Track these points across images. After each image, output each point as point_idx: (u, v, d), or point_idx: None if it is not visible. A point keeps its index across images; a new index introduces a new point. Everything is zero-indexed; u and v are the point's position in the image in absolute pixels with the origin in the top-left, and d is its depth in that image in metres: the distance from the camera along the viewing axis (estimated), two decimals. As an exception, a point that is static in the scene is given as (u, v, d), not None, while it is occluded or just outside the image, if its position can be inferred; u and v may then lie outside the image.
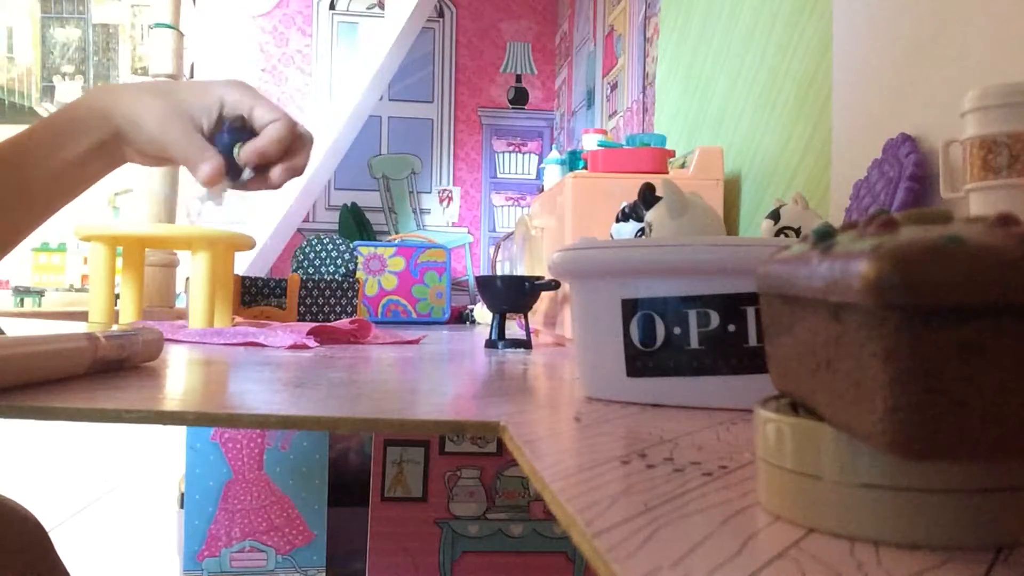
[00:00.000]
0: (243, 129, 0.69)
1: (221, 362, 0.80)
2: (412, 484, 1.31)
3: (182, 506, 1.62)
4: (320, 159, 3.38)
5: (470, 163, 3.75)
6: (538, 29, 3.76)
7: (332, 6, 3.64)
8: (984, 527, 0.22)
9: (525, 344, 1.14)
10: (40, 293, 2.56)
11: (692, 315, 0.49)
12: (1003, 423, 0.19)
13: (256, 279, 1.73)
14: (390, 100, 3.69)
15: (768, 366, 0.30)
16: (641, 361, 0.51)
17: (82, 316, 1.45)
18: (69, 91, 3.63)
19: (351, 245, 1.75)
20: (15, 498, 0.70)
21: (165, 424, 0.47)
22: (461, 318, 2.92)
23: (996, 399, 0.19)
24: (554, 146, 3.73)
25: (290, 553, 1.62)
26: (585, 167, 1.60)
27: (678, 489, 0.29)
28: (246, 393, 0.58)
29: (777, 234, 0.99)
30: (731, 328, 0.49)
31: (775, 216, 0.99)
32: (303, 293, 1.63)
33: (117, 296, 1.39)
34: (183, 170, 2.89)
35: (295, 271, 1.68)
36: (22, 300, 2.48)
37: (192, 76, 3.40)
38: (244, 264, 3.15)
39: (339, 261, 1.71)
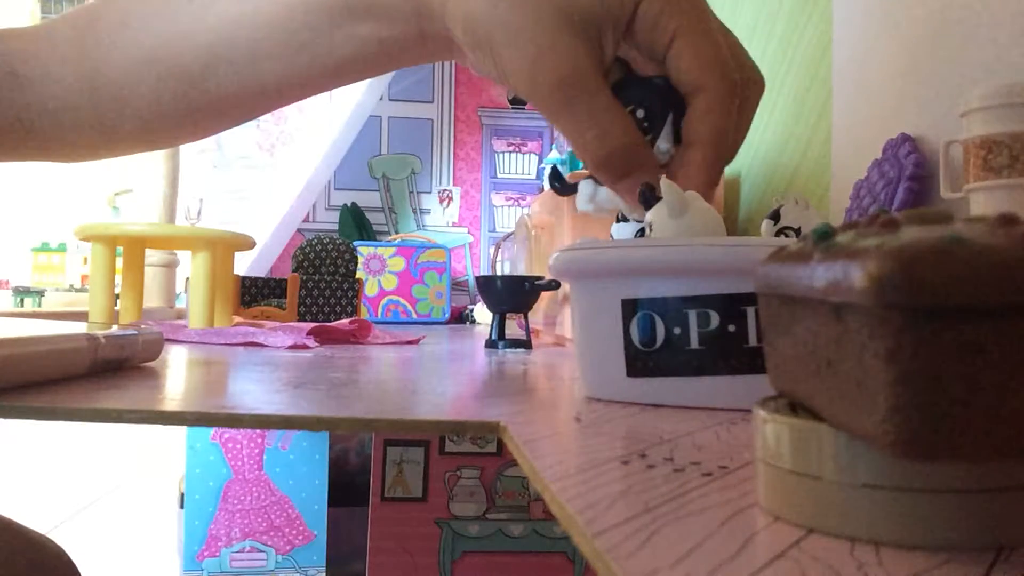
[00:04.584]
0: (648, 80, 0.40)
1: (221, 362, 0.80)
2: (412, 484, 1.31)
3: (182, 506, 1.62)
4: (320, 159, 3.39)
5: (470, 163, 3.75)
6: (538, 29, 3.76)
7: (332, 6, 3.64)
8: (984, 527, 0.22)
9: (525, 344, 1.14)
10: (40, 293, 2.56)
11: (692, 315, 0.49)
12: (1006, 423, 0.19)
13: (256, 279, 1.73)
14: (390, 100, 3.68)
15: (767, 367, 0.30)
16: (641, 361, 0.51)
17: (82, 316, 1.45)
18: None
19: (351, 245, 1.75)
20: (15, 499, 0.70)
21: (165, 424, 0.47)
22: (461, 318, 2.92)
23: (998, 399, 0.19)
24: (554, 146, 3.73)
25: (290, 553, 1.62)
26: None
27: (678, 489, 0.29)
28: (246, 393, 0.58)
29: (777, 234, 0.98)
30: (731, 328, 0.49)
31: (775, 216, 0.99)
32: (303, 293, 1.63)
33: (117, 296, 1.39)
34: (183, 169, 2.91)
35: (295, 271, 1.68)
36: (22, 300, 2.48)
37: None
38: (244, 264, 3.16)
39: (339, 261, 1.71)
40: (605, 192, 0.46)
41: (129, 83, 0.48)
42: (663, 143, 0.42)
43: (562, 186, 0.49)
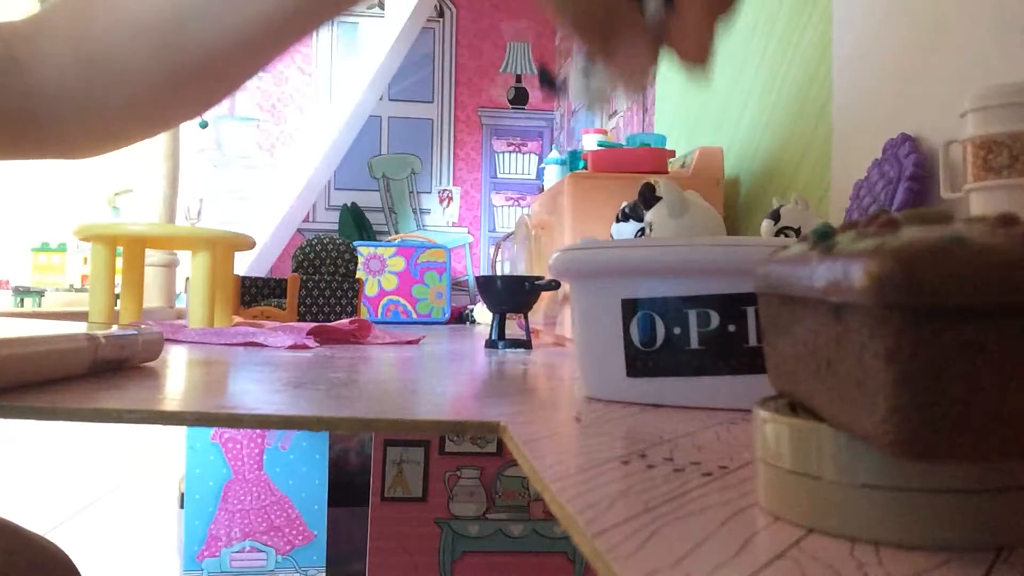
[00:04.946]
0: None
1: (221, 362, 0.80)
2: (412, 484, 1.31)
3: (182, 506, 1.62)
4: (320, 159, 3.39)
5: (470, 163, 3.75)
6: (538, 29, 3.77)
7: (332, 6, 3.64)
8: (984, 527, 0.22)
9: (525, 344, 1.14)
10: (40, 293, 2.56)
11: (692, 315, 0.49)
12: (1005, 423, 0.19)
13: (256, 279, 1.73)
14: (390, 100, 3.68)
15: (767, 367, 0.30)
16: (641, 361, 0.51)
17: (82, 316, 1.45)
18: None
19: (351, 245, 1.75)
20: (15, 499, 0.69)
21: (165, 424, 0.47)
22: (461, 318, 2.92)
23: (998, 399, 0.19)
24: (554, 146, 3.73)
25: (290, 553, 1.62)
26: (585, 167, 1.60)
27: (678, 489, 0.29)
28: (246, 393, 0.58)
29: (777, 234, 0.98)
30: (731, 328, 0.49)
31: (775, 216, 0.99)
32: (303, 293, 1.63)
33: (117, 296, 1.39)
34: (183, 169, 2.89)
35: (295, 271, 1.68)
36: (22, 300, 2.48)
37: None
38: (244, 264, 3.16)
39: (339, 261, 1.71)
40: (597, 77, 0.44)
41: (123, 55, 0.50)
42: (652, 4, 0.40)
43: (552, 86, 0.49)
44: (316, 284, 1.64)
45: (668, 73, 2.20)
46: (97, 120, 0.52)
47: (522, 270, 1.80)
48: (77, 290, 2.88)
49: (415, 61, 3.69)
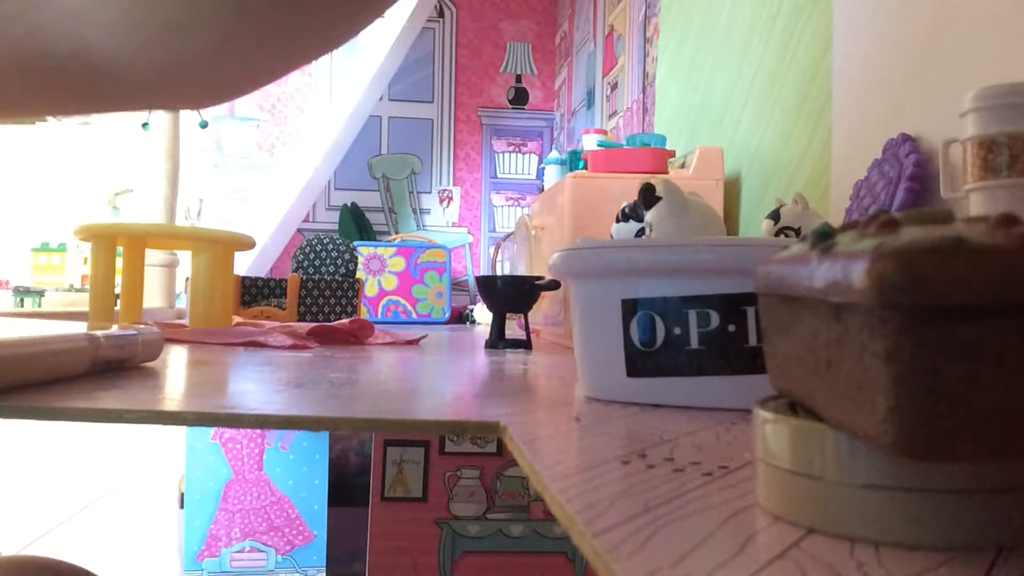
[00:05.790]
0: None
1: (221, 362, 0.80)
2: (412, 484, 1.31)
3: (182, 506, 1.62)
4: (320, 159, 3.39)
5: (470, 163, 3.75)
6: (538, 29, 3.76)
7: (332, 6, 3.64)
8: (984, 527, 0.22)
9: (525, 344, 1.14)
10: (40, 293, 2.56)
11: (692, 315, 0.49)
12: (1005, 423, 0.19)
13: (256, 279, 1.73)
14: (390, 100, 3.68)
15: (767, 367, 0.30)
16: (641, 361, 0.51)
17: (82, 316, 1.45)
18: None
19: (351, 245, 1.75)
20: (16, 498, 0.69)
21: (165, 424, 0.47)
22: (461, 318, 2.92)
23: (998, 399, 0.19)
24: (554, 146, 3.73)
25: (290, 553, 1.62)
26: (585, 167, 1.60)
27: (678, 489, 0.29)
28: (246, 393, 0.58)
29: (777, 234, 0.98)
30: (731, 328, 0.49)
31: (775, 216, 0.99)
32: (303, 293, 1.63)
33: (117, 296, 1.39)
34: (183, 169, 2.89)
35: (295, 271, 1.68)
36: (22, 300, 2.49)
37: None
38: (244, 264, 3.16)
39: (339, 261, 1.71)
40: None
41: None
42: None
43: None
44: (316, 284, 1.64)
45: (668, 73, 2.20)
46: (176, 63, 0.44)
47: (522, 270, 1.80)
48: (77, 290, 2.88)
49: (415, 61, 3.69)
